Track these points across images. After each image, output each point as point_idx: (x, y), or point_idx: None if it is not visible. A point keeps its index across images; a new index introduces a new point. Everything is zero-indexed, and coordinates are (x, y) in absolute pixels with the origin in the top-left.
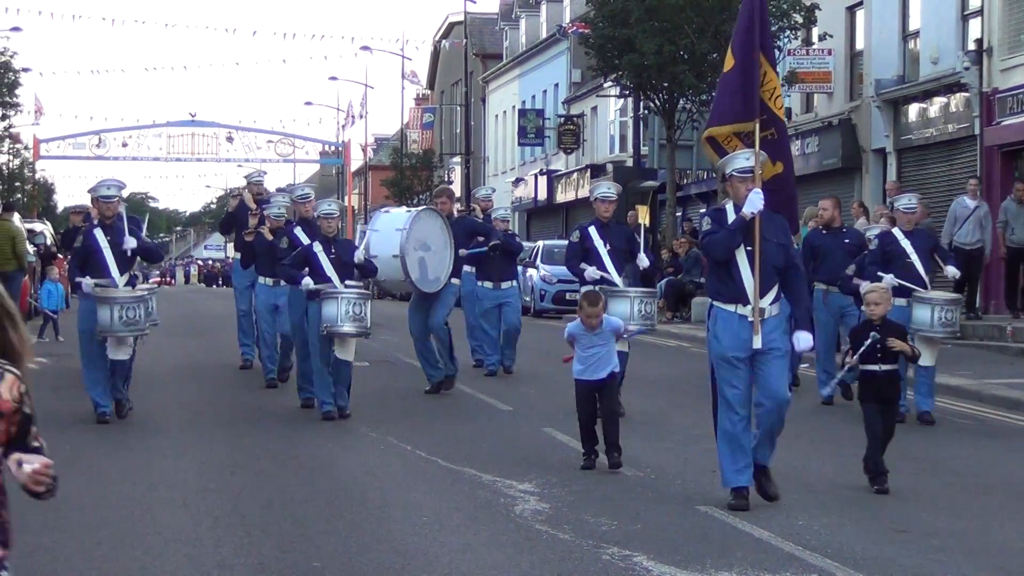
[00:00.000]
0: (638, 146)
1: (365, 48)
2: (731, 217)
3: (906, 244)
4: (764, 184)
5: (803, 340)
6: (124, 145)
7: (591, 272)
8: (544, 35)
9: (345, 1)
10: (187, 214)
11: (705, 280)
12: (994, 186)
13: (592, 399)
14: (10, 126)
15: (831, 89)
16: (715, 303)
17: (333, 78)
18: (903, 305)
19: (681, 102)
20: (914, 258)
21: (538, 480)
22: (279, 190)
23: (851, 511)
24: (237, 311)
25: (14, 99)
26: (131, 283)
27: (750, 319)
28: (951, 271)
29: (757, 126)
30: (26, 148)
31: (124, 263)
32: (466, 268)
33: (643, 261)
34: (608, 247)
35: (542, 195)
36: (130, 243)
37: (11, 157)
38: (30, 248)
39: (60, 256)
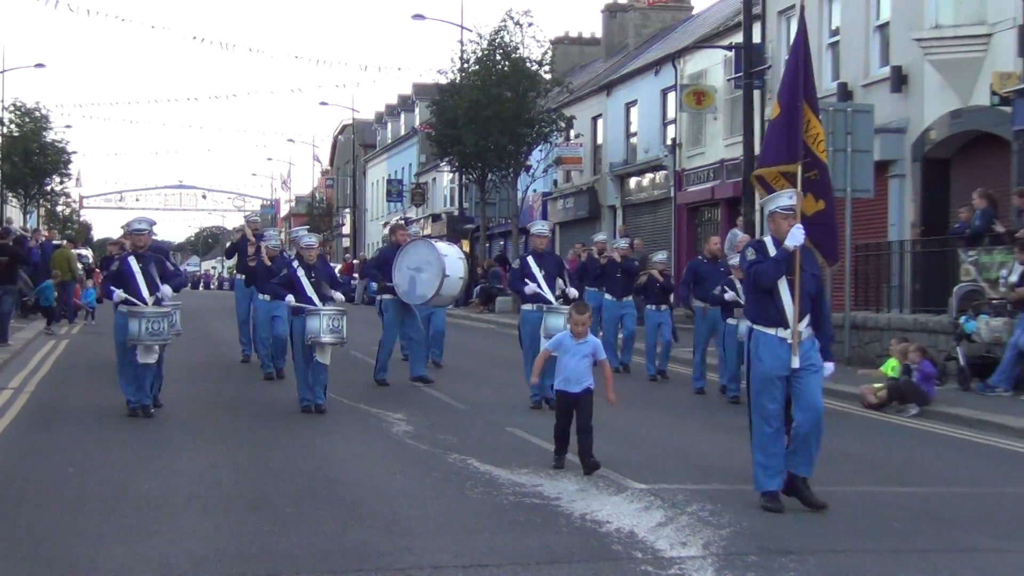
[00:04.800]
0: (462, 202)
1: (290, 140)
2: (771, 249)
3: None
4: (809, 219)
5: (828, 368)
6: (137, 200)
7: (530, 287)
8: (403, 133)
9: (277, 109)
10: (175, 243)
11: (745, 305)
12: (682, 230)
13: (570, 410)
14: (64, 189)
15: (582, 168)
16: (756, 326)
17: (269, 159)
18: None
19: (489, 176)
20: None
21: (406, 412)
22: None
23: (616, 433)
24: (238, 319)
25: (67, 171)
26: (158, 301)
27: (789, 341)
28: None
29: (800, 168)
30: (74, 202)
31: (152, 284)
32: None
33: (572, 292)
34: (543, 272)
35: None
36: (167, 293)
37: (64, 207)
38: (79, 266)
39: (97, 271)
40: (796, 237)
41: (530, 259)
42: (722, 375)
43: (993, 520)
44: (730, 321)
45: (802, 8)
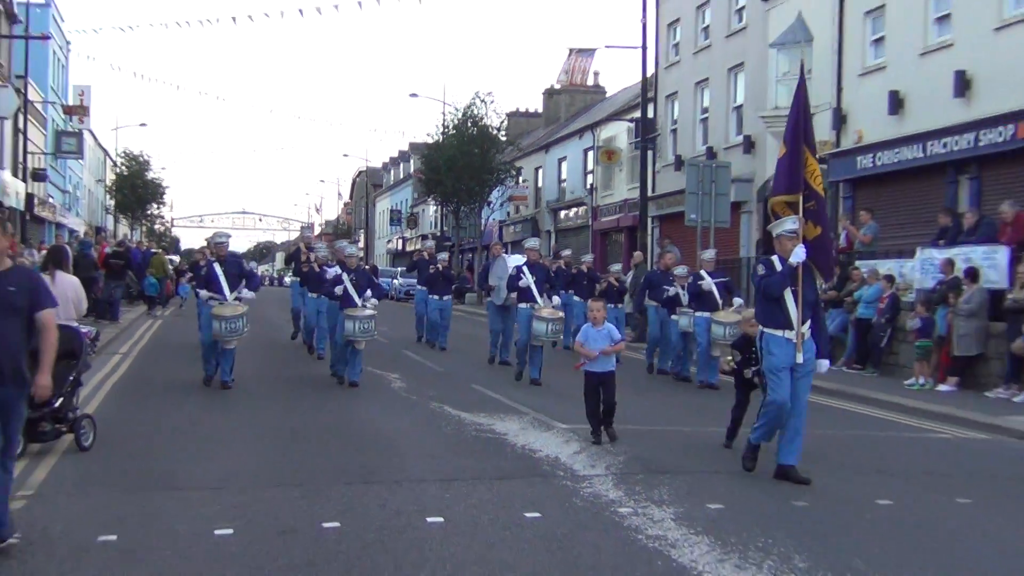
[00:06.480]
0: (442, 226)
1: (321, 180)
2: (777, 266)
3: (709, 280)
4: (808, 242)
5: (823, 365)
6: (212, 221)
7: (524, 281)
8: (402, 176)
9: (312, 158)
10: (240, 252)
11: (755, 311)
12: (597, 249)
13: (597, 389)
14: (160, 213)
15: (527, 204)
16: (766, 329)
17: (307, 193)
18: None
19: (462, 208)
20: (714, 290)
21: (400, 372)
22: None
23: (549, 391)
24: (292, 311)
25: (162, 200)
26: (238, 297)
27: (794, 340)
28: (738, 301)
29: (801, 198)
30: (167, 221)
31: (232, 283)
32: (419, 285)
33: (556, 300)
34: (534, 278)
35: (399, 247)
36: (248, 296)
37: (160, 226)
38: (170, 267)
39: (187, 271)
40: (799, 255)
41: (524, 268)
42: (662, 359)
43: (814, 454)
44: (673, 317)
45: (802, 69)
